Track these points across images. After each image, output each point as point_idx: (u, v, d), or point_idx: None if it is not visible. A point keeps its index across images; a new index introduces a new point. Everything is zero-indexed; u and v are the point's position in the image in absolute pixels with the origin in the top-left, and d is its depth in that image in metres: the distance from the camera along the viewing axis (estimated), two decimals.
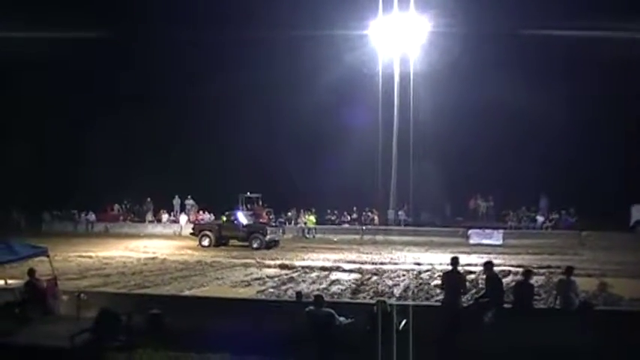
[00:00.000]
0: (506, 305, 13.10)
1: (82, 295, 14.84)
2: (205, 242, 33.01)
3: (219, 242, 33.10)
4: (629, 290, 18.26)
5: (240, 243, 32.77)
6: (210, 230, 33.71)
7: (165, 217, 43.72)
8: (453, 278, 13.20)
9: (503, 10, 33.23)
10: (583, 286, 16.73)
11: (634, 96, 33.39)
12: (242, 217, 33.74)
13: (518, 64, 35.63)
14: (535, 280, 18.54)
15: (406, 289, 19.50)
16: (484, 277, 15.03)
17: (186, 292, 18.95)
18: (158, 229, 42.16)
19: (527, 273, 14.00)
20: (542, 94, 34.68)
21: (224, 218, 34.48)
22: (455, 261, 13.40)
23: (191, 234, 34.73)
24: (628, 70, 32.23)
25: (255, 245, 31.80)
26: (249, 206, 39.21)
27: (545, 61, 36.19)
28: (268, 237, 32.32)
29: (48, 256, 14.98)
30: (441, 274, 16.56)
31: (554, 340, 11.53)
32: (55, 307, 14.39)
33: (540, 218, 38.34)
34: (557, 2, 33.37)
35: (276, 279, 21.58)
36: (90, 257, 27.93)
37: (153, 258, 28.01)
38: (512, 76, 34.42)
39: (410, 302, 16.08)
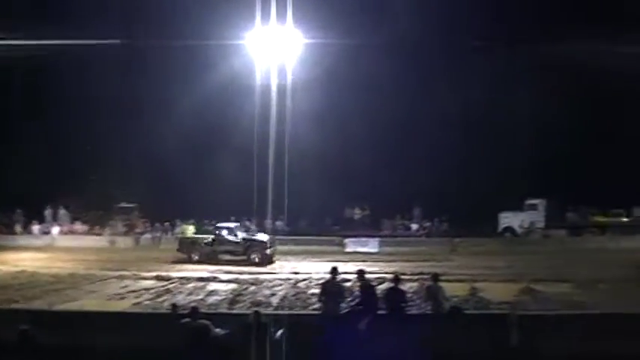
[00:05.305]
0: (380, 312, 13.32)
1: None
2: None
3: None
4: (498, 294, 19.18)
5: None
6: None
7: (36, 228, 41.45)
8: (333, 287, 13.44)
9: (375, 22, 34.31)
10: (454, 291, 17.50)
11: (503, 104, 35.20)
12: None
13: (391, 73, 36.36)
14: (409, 287, 19.04)
15: (283, 298, 19.51)
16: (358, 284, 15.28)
17: (59, 307, 18.03)
18: (30, 241, 39.85)
19: (396, 279, 14.38)
20: (417, 104, 35.93)
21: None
22: (334, 271, 13.67)
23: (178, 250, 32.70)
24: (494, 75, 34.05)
25: None
26: (124, 217, 38.05)
27: (419, 68, 37.13)
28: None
29: None
30: (319, 283, 16.73)
31: (427, 343, 11.85)
32: None
33: (414, 226, 39.51)
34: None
35: (152, 291, 21.14)
36: None
37: (23, 271, 26.40)
38: (387, 87, 35.39)
39: (287, 312, 16.13)
